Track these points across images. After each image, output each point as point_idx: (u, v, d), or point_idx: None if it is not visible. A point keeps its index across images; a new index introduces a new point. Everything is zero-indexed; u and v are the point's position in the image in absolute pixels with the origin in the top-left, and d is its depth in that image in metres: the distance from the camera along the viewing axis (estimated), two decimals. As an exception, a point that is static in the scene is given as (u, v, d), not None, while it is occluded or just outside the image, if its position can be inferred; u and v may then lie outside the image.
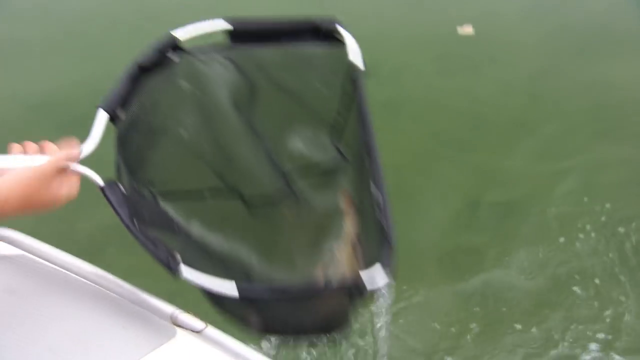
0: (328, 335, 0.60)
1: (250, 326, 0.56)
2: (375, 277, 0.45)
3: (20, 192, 0.43)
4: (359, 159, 0.64)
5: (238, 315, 0.57)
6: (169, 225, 0.60)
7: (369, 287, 0.44)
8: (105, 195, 0.49)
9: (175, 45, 0.63)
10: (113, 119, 0.56)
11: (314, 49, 0.64)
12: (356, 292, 0.47)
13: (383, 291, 0.57)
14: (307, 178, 0.78)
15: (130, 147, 0.59)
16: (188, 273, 0.46)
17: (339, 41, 0.63)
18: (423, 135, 1.93)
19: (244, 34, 0.64)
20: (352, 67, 0.61)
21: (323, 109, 0.71)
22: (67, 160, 0.48)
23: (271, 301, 0.50)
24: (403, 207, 1.52)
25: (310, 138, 0.75)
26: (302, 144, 0.76)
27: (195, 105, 0.68)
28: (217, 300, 0.52)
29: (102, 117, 0.54)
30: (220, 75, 0.67)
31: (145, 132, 0.63)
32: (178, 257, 0.47)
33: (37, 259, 0.67)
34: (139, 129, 0.62)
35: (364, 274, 0.45)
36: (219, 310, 0.55)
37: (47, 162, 0.46)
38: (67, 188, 0.47)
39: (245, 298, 0.46)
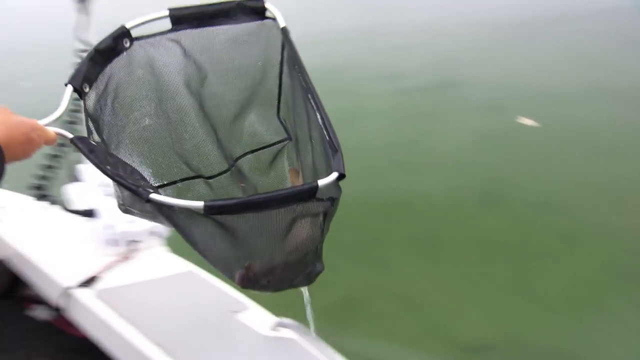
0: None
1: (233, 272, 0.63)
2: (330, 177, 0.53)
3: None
4: (301, 102, 0.75)
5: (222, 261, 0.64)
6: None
7: (322, 184, 0.51)
8: (75, 144, 0.58)
9: (127, 33, 0.73)
10: (79, 93, 0.65)
11: (246, 27, 0.78)
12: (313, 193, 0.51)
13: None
14: (255, 162, 0.90)
15: (97, 119, 0.69)
16: (158, 197, 0.52)
17: (267, 17, 0.77)
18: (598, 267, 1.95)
19: (183, 18, 0.76)
20: (283, 30, 0.76)
21: (265, 86, 0.84)
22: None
23: (238, 211, 0.53)
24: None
25: (257, 115, 0.89)
26: (249, 122, 0.89)
27: (149, 85, 0.78)
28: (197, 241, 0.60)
29: (68, 91, 0.64)
30: (169, 57, 0.78)
31: (109, 108, 0.72)
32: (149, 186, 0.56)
33: None
34: (102, 105, 0.71)
35: (321, 181, 0.53)
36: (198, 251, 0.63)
37: (29, 121, 0.56)
38: (41, 140, 0.57)
39: (211, 211, 0.50)
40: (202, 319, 0.97)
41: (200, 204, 0.50)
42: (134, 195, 0.54)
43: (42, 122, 0.59)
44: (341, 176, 0.55)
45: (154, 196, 0.52)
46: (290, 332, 0.88)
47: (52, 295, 1.06)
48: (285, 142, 0.90)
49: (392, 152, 3.19)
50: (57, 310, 1.10)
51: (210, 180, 0.88)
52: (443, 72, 4.85)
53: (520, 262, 2.07)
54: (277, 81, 0.84)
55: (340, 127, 0.63)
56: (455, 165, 2.97)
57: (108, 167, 0.55)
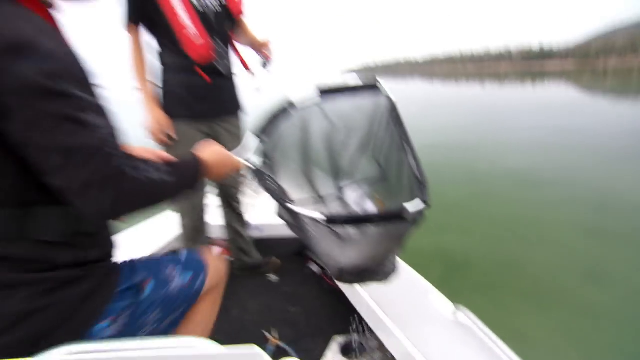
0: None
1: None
2: (416, 204, 0.73)
3: (214, 158, 0.87)
4: (396, 150, 1.03)
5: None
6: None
7: (411, 209, 0.72)
8: (253, 173, 0.97)
9: (292, 104, 1.16)
10: (260, 139, 1.10)
11: (364, 96, 1.13)
12: (404, 216, 0.72)
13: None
14: (355, 190, 1.24)
15: (268, 155, 1.11)
16: (295, 208, 0.82)
17: (375, 86, 1.11)
18: None
19: (326, 92, 1.15)
20: (390, 100, 1.07)
21: (373, 136, 1.16)
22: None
23: (346, 223, 0.78)
24: None
25: (365, 156, 1.21)
26: (358, 160, 1.22)
27: (300, 134, 1.19)
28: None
29: (253, 139, 1.08)
30: (314, 117, 1.18)
31: (276, 148, 1.15)
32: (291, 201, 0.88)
33: None
34: (271, 146, 1.14)
35: (408, 204, 0.73)
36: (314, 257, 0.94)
37: (227, 153, 0.93)
38: (232, 168, 0.95)
39: (328, 221, 0.75)
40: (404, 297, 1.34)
41: (321, 215, 0.78)
42: (283, 208, 0.89)
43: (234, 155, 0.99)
44: (425, 204, 0.74)
45: (294, 207, 0.83)
46: (465, 318, 1.17)
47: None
48: (378, 179, 1.20)
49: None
50: (322, 268, 1.88)
51: (325, 199, 1.26)
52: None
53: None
54: (382, 133, 1.14)
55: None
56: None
57: (272, 191, 0.92)
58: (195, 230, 1.66)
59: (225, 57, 1.46)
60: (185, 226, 1.67)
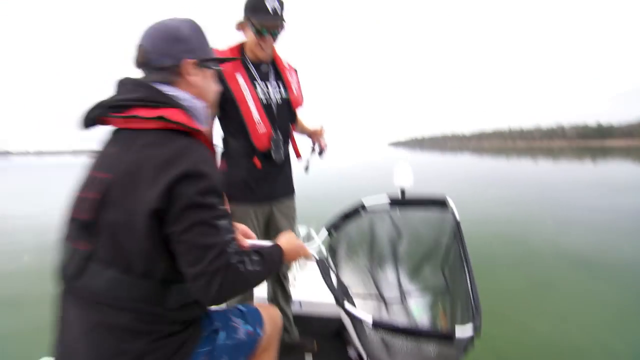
0: None
1: None
2: (466, 329, 0.74)
3: (289, 247, 0.99)
4: (459, 268, 1.07)
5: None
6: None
7: (459, 335, 0.73)
8: (317, 263, 1.07)
9: (364, 206, 1.32)
10: (329, 233, 1.24)
11: (432, 211, 1.23)
12: (451, 338, 0.73)
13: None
14: (418, 299, 1.28)
15: (334, 249, 1.25)
16: (348, 307, 0.88)
17: (446, 207, 1.20)
18: None
19: (396, 202, 1.28)
20: (455, 219, 1.15)
21: (437, 250, 1.24)
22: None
23: (393, 331, 0.80)
24: None
25: (428, 267, 1.28)
26: (421, 270, 1.30)
27: (367, 236, 1.33)
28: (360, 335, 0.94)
29: (323, 232, 1.23)
30: (382, 222, 1.31)
31: (342, 244, 1.29)
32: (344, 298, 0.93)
33: None
34: (338, 242, 1.28)
35: (458, 331, 0.74)
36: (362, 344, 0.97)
37: (301, 243, 1.05)
38: (303, 256, 1.06)
39: (375, 325, 0.79)
40: None
41: (370, 317, 0.82)
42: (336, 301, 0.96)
43: (307, 244, 1.11)
44: (476, 330, 0.75)
45: (347, 305, 0.90)
46: None
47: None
48: (442, 291, 1.23)
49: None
50: (360, 357, 1.64)
51: (386, 301, 1.31)
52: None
53: None
54: (446, 250, 1.20)
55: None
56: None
57: (330, 284, 1.00)
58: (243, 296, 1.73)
59: (283, 145, 1.53)
60: None
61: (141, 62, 0.83)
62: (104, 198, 0.73)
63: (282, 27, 1.44)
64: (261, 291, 1.82)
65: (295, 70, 1.66)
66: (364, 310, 1.16)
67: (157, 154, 0.73)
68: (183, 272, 0.72)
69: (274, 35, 1.45)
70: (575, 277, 3.80)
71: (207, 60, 0.87)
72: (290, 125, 1.61)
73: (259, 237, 1.52)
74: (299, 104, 1.61)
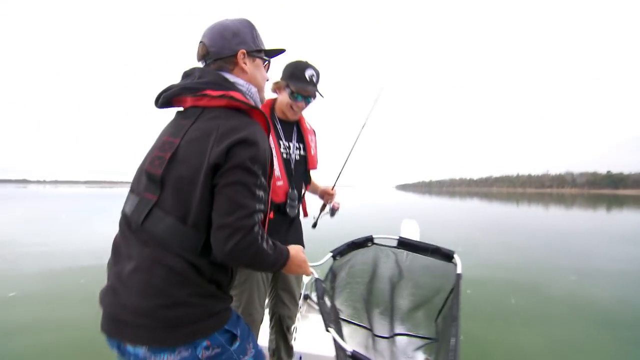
0: None
1: None
2: None
3: (296, 257, 1.02)
4: (449, 321, 1.08)
5: None
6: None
7: None
8: (316, 284, 1.09)
9: (372, 239, 1.33)
10: (334, 258, 1.25)
11: (437, 261, 1.24)
12: None
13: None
14: (407, 342, 1.29)
15: (335, 273, 1.24)
16: (333, 333, 0.88)
17: (451, 260, 1.20)
18: None
19: (403, 244, 1.29)
20: (458, 275, 1.14)
21: (434, 300, 1.24)
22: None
23: None
24: None
25: (422, 313, 1.29)
26: (416, 315, 1.31)
27: (369, 268, 1.33)
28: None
29: (328, 255, 1.24)
30: (387, 259, 1.32)
31: (343, 270, 1.29)
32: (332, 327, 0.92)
33: None
34: (340, 267, 1.27)
35: None
36: None
37: (305, 259, 1.07)
38: (305, 271, 1.07)
39: (355, 358, 0.78)
40: None
41: (350, 348, 0.82)
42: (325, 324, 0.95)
43: (310, 263, 1.12)
44: None
45: (332, 332, 0.90)
46: None
47: None
48: (433, 341, 1.24)
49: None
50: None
51: (375, 334, 1.33)
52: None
53: None
54: (443, 302, 1.21)
55: None
56: None
57: (324, 306, 1.01)
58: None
59: (296, 200, 1.58)
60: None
61: (202, 55, 0.99)
62: (173, 157, 0.86)
63: (315, 95, 1.56)
64: (262, 341, 1.79)
65: (315, 133, 1.74)
66: (353, 338, 1.13)
67: (224, 123, 0.85)
68: (212, 220, 0.81)
69: (307, 102, 1.56)
70: (599, 336, 3.31)
71: (257, 51, 1.00)
72: (304, 185, 1.67)
73: (265, 289, 1.55)
74: (315, 165, 1.69)
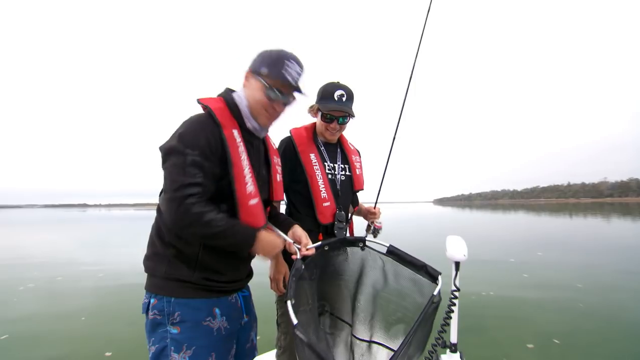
0: None
1: None
2: None
3: (266, 239, 1.07)
4: (423, 343, 1.05)
5: None
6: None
7: None
8: (295, 264, 1.09)
9: (364, 240, 1.29)
10: (321, 248, 1.22)
11: (422, 278, 1.18)
12: None
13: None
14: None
15: (314, 263, 1.23)
16: (298, 332, 0.84)
17: (435, 280, 1.12)
18: None
19: (393, 253, 1.23)
20: (435, 296, 1.06)
21: (412, 311, 1.19)
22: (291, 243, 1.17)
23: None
24: None
25: (398, 322, 1.25)
26: (394, 322, 1.26)
27: (355, 268, 1.32)
28: None
29: (317, 244, 1.22)
30: (375, 263, 1.28)
31: (326, 260, 1.29)
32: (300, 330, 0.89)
33: None
34: (325, 257, 1.28)
35: None
36: None
37: (278, 240, 1.13)
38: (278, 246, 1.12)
39: (310, 347, 0.80)
40: None
41: (295, 321, 0.85)
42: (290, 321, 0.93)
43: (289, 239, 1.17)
44: None
45: (296, 330, 0.88)
46: None
47: None
48: (403, 353, 1.12)
49: None
50: None
51: (354, 333, 1.34)
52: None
53: None
54: (419, 316, 1.11)
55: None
56: None
57: (289, 297, 0.97)
58: None
59: (344, 221, 1.56)
60: None
61: None
62: None
63: (346, 115, 1.53)
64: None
65: (359, 153, 1.74)
66: (336, 335, 1.24)
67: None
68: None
69: (340, 122, 1.55)
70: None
71: (258, 73, 1.12)
72: (352, 206, 1.68)
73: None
74: (361, 186, 1.68)
